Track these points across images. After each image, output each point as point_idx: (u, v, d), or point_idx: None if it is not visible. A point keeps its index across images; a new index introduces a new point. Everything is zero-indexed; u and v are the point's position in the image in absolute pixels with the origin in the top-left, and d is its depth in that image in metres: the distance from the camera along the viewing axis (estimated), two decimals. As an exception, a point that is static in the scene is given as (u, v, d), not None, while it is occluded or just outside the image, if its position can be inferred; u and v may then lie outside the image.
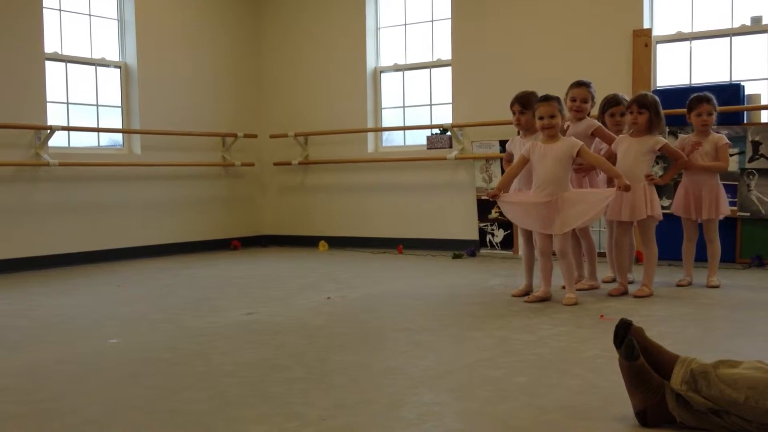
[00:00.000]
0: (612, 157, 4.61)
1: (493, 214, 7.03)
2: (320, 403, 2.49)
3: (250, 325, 3.88)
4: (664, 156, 5.09)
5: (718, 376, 2.07)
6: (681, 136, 5.09)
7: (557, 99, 4.34)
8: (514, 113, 4.63)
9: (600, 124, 4.79)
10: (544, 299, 4.40)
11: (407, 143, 7.98)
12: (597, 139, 4.77)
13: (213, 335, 3.64)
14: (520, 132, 4.66)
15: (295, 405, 2.48)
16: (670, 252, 5.47)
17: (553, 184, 4.29)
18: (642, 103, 4.52)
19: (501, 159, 6.78)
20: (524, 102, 4.55)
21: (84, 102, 7.16)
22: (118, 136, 7.44)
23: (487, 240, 7.09)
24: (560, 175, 4.29)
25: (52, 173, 6.62)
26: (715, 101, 4.83)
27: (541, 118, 4.30)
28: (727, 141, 4.84)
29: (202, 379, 2.86)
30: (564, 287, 4.55)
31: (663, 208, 5.76)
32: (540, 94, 4.56)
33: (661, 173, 5.35)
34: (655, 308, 4.16)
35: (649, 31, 6.43)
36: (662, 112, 4.61)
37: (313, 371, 2.92)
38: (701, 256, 4.97)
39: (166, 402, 2.56)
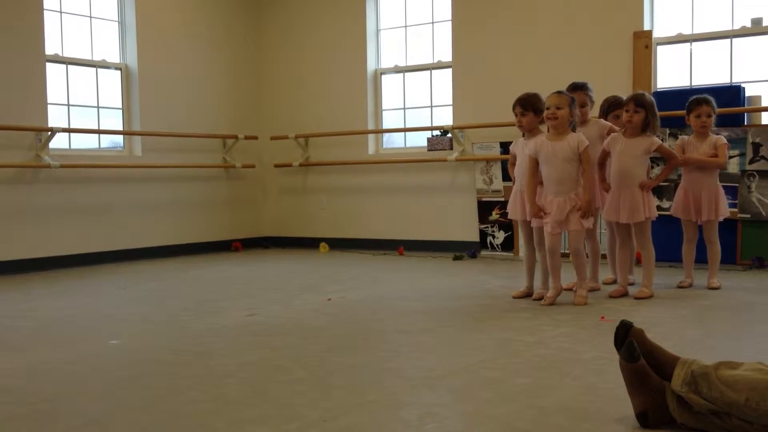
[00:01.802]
0: (607, 156, 4.62)
1: (494, 216, 7.03)
2: (321, 405, 2.49)
3: (251, 326, 3.88)
4: (664, 159, 5.09)
5: (719, 378, 2.07)
6: (681, 137, 5.09)
7: (569, 97, 4.33)
8: (516, 115, 4.62)
9: (611, 124, 4.80)
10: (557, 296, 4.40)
11: (408, 145, 7.99)
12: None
13: (214, 336, 3.65)
14: (524, 134, 4.65)
15: (296, 406, 2.48)
16: (670, 253, 5.47)
17: (562, 183, 4.29)
18: (640, 102, 4.50)
19: (501, 161, 6.83)
20: (525, 104, 4.54)
21: (85, 104, 7.16)
22: (119, 138, 7.44)
23: (488, 241, 7.09)
24: (569, 174, 4.27)
25: (53, 175, 6.62)
26: (714, 103, 4.83)
27: (547, 108, 4.31)
28: (726, 141, 4.85)
29: (203, 380, 2.86)
30: (572, 288, 4.57)
31: (663, 209, 5.78)
32: (541, 95, 4.57)
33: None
34: (655, 309, 4.16)
35: (650, 32, 6.44)
36: (658, 113, 4.61)
37: (313, 372, 2.92)
38: (702, 258, 4.97)
39: (167, 403, 2.57)
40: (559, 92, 4.36)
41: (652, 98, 4.62)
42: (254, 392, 2.66)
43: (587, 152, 4.26)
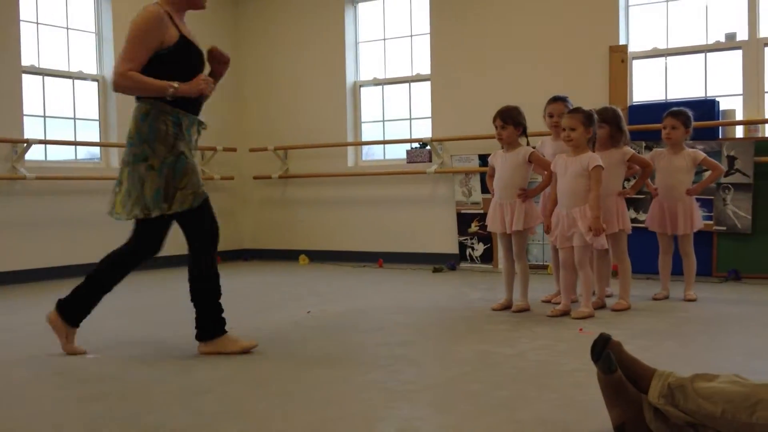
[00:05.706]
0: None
1: (473, 228, 7.06)
2: (300, 418, 2.48)
3: (229, 340, 3.84)
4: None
5: (695, 390, 2.09)
6: (654, 149, 5.14)
7: (583, 114, 4.34)
8: (496, 128, 4.64)
9: None
10: (565, 313, 4.38)
11: (387, 157, 8.01)
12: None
13: (192, 351, 3.62)
14: (504, 146, 4.67)
15: (275, 421, 2.47)
16: (646, 265, 5.51)
17: (571, 197, 4.32)
18: (602, 117, 4.60)
19: (480, 173, 6.86)
20: (506, 116, 4.56)
21: (61, 115, 7.11)
22: (96, 150, 7.39)
23: (467, 254, 7.11)
24: (578, 189, 4.30)
25: (29, 187, 6.56)
26: (684, 116, 4.83)
27: (563, 129, 4.36)
28: (704, 154, 4.91)
29: (180, 395, 2.84)
30: (551, 300, 4.59)
31: (638, 222, 5.82)
32: (520, 108, 4.60)
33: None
34: (632, 321, 4.19)
35: (625, 47, 6.51)
36: (624, 125, 4.68)
37: (292, 386, 2.91)
38: (678, 270, 5.01)
39: (145, 418, 2.54)
40: (572, 111, 4.39)
41: (617, 110, 4.69)
42: (233, 408, 2.64)
43: (597, 171, 4.28)
